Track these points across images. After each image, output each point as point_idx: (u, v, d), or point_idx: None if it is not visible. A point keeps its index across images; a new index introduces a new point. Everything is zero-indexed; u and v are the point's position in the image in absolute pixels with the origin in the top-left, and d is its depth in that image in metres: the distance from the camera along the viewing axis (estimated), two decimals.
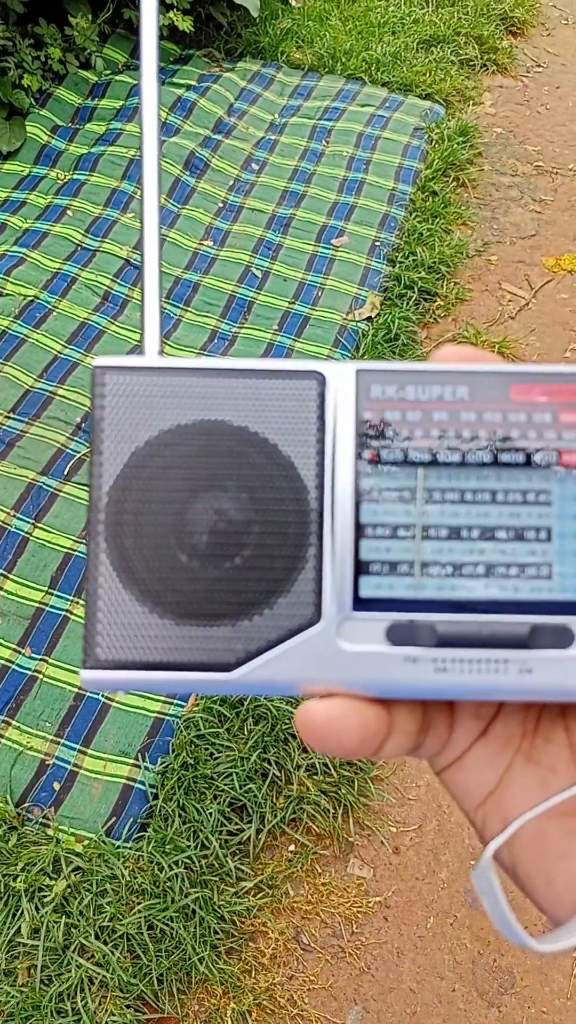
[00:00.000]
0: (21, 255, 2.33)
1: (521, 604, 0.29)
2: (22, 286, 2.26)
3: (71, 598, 1.72)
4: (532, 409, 0.30)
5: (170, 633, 0.29)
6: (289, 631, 0.29)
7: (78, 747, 1.55)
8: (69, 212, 2.48)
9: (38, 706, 1.59)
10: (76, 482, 1.91)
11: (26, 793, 1.50)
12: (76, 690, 1.61)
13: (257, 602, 0.29)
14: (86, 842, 1.45)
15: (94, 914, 1.38)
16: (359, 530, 0.30)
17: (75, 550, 1.78)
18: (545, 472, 0.30)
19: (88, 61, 2.89)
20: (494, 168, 2.87)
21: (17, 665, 1.63)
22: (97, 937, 1.36)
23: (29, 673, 1.62)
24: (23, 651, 1.65)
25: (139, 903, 1.39)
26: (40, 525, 1.81)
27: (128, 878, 1.41)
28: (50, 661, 1.64)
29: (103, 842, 1.45)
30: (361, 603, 0.29)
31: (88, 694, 1.60)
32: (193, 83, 2.96)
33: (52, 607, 1.70)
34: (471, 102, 3.13)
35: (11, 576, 1.73)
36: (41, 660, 1.64)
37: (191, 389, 0.30)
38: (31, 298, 2.24)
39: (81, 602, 1.72)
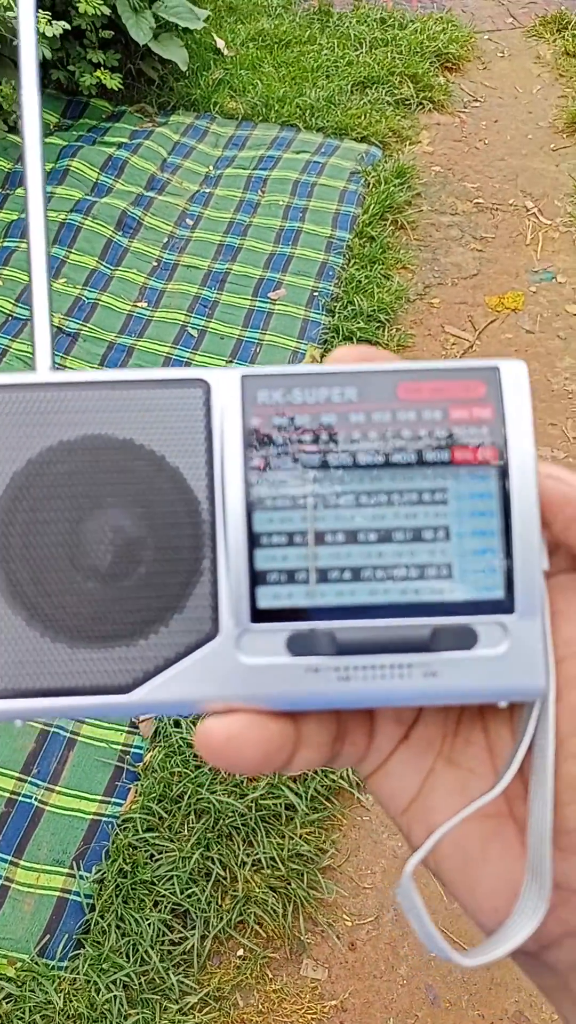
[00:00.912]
0: None
1: (422, 606, 0.29)
2: None
3: None
4: (421, 407, 0.29)
5: (64, 657, 0.28)
6: (187, 648, 0.28)
7: (10, 858, 1.46)
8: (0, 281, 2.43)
9: None
10: None
11: None
12: (8, 795, 1.53)
13: (153, 620, 0.28)
14: (19, 964, 1.37)
15: None
16: (253, 540, 0.29)
17: None
18: (439, 470, 0.29)
19: (16, 125, 2.86)
20: (433, 208, 2.85)
21: None
22: None
23: None
24: None
25: None
26: None
27: (63, 1004, 1.32)
28: None
29: (36, 963, 1.36)
30: (259, 614, 0.29)
31: (20, 799, 1.52)
32: (125, 140, 2.93)
33: None
34: (408, 142, 3.12)
35: None
36: None
37: (75, 403, 0.29)
38: None
39: None
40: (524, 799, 0.30)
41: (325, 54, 3.43)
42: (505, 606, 0.29)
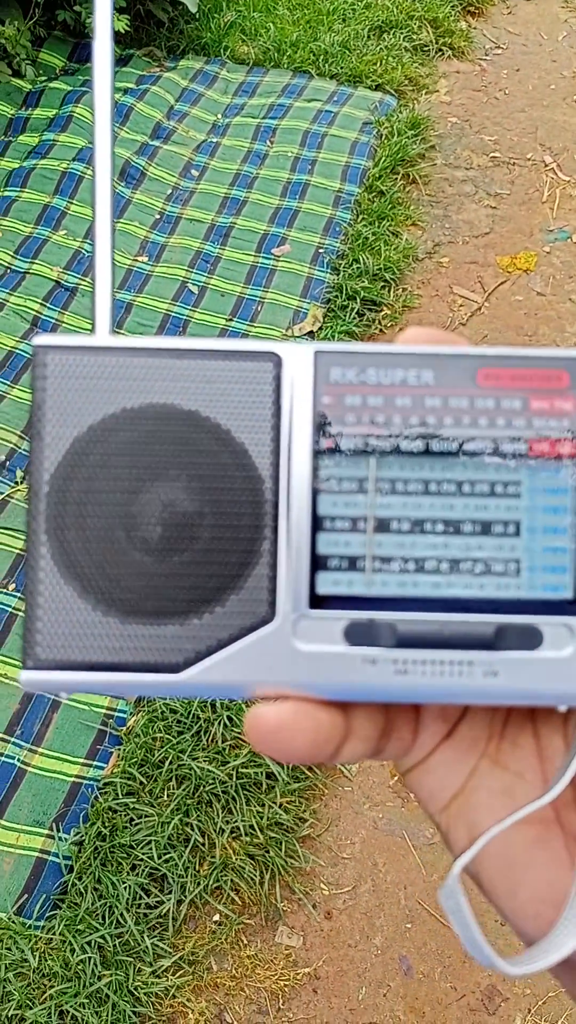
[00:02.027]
0: None
1: (487, 602, 0.28)
2: None
3: None
4: (501, 395, 0.28)
5: (115, 631, 0.28)
6: (241, 630, 0.28)
7: None
8: None
9: None
10: (1, 527, 1.82)
11: None
12: None
13: (208, 599, 0.28)
14: None
15: (1, 1002, 1.31)
16: (316, 523, 0.28)
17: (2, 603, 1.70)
18: (514, 462, 0.28)
19: (20, 69, 2.77)
20: (447, 162, 2.74)
21: None
22: None
23: None
24: None
25: (50, 988, 1.32)
26: None
27: (37, 962, 1.34)
28: None
29: (13, 922, 1.37)
30: (318, 601, 0.28)
31: (3, 759, 1.53)
32: (131, 86, 2.84)
33: None
34: (425, 91, 2.99)
35: None
36: None
37: (139, 371, 0.28)
38: None
39: (0, 657, 1.64)
40: (574, 807, 0.29)
41: None
42: (574, 608, 0.28)
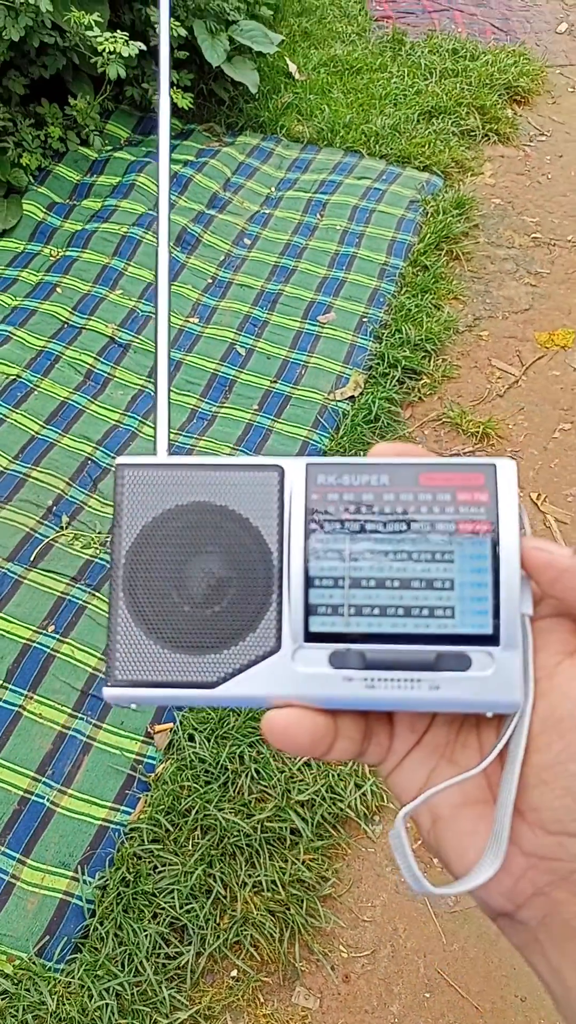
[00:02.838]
0: (7, 333, 2.35)
1: (430, 637, 0.38)
2: (5, 365, 2.27)
3: (25, 692, 1.68)
4: (436, 491, 0.39)
5: (169, 660, 0.39)
6: (257, 657, 0.39)
7: (18, 856, 1.49)
8: (58, 289, 2.50)
9: None
10: (41, 568, 1.88)
11: None
12: (21, 793, 1.56)
13: (234, 636, 0.39)
14: (17, 962, 1.39)
15: None
16: (308, 582, 0.39)
17: (34, 641, 1.75)
18: (447, 537, 0.38)
19: (88, 139, 2.94)
20: (490, 240, 2.85)
21: None
22: None
23: None
24: None
25: None
26: (1, 614, 1.79)
27: (55, 1006, 1.34)
28: None
29: (34, 963, 1.38)
30: (310, 636, 0.39)
31: (33, 798, 1.55)
32: (191, 158, 3.00)
33: (5, 702, 1.67)
34: (470, 173, 3.12)
35: None
36: None
37: (185, 478, 0.40)
38: (13, 377, 2.25)
39: (36, 697, 1.68)
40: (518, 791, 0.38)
41: (395, 82, 3.46)
42: (493, 640, 0.38)
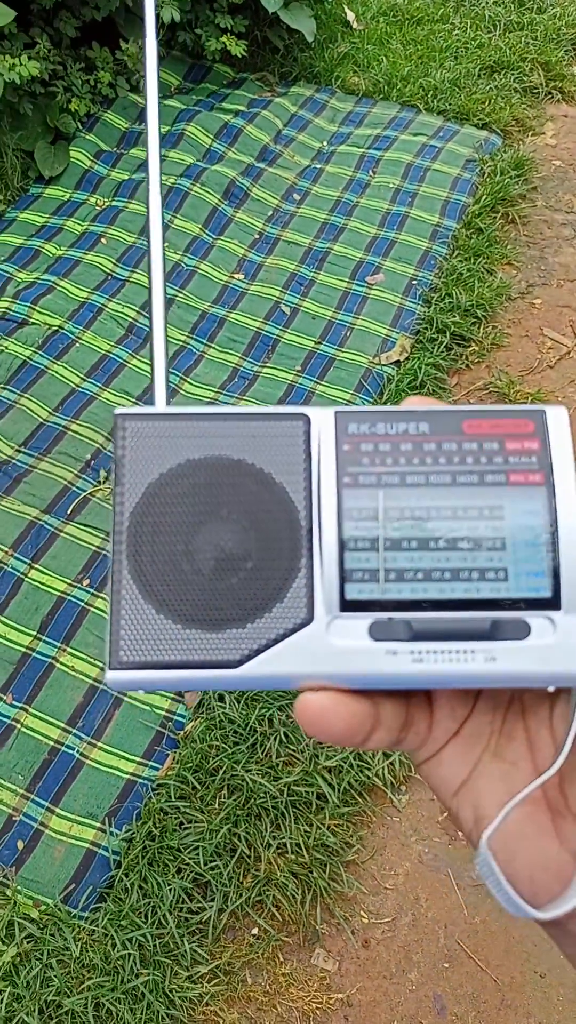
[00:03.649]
0: (51, 283, 2.33)
1: (483, 602, 0.34)
2: (48, 315, 2.25)
3: (59, 645, 1.69)
4: (482, 439, 0.35)
5: (184, 637, 0.34)
6: (286, 631, 0.34)
7: (47, 804, 1.51)
8: (103, 240, 2.47)
9: (12, 757, 1.56)
10: (78, 522, 1.88)
11: None
12: (52, 744, 1.58)
13: (259, 608, 0.34)
14: (43, 907, 1.42)
15: (41, 987, 1.34)
16: (343, 544, 0.34)
17: (68, 594, 1.76)
18: (497, 490, 0.34)
19: (139, 85, 2.88)
20: (548, 204, 2.75)
21: None
22: (41, 1012, 1.32)
23: (7, 722, 1.60)
24: (4, 698, 1.62)
25: (88, 979, 1.35)
26: (36, 566, 1.79)
27: (79, 952, 1.36)
28: (30, 711, 1.61)
29: (59, 909, 1.41)
30: (347, 605, 0.34)
31: (63, 749, 1.57)
32: (242, 108, 2.92)
33: (39, 653, 1.68)
34: (531, 132, 3.00)
35: (1, 618, 1.71)
36: (21, 709, 1.61)
37: (196, 430, 0.35)
38: (56, 328, 2.23)
39: (69, 649, 1.69)
40: (557, 787, 0.35)
41: (456, 34, 3.33)
42: (553, 603, 0.33)
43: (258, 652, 0.34)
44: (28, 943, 1.38)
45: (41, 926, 1.39)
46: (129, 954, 1.36)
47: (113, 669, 0.34)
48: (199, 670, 0.34)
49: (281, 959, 1.43)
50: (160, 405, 0.39)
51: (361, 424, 0.35)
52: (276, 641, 0.34)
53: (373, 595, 0.34)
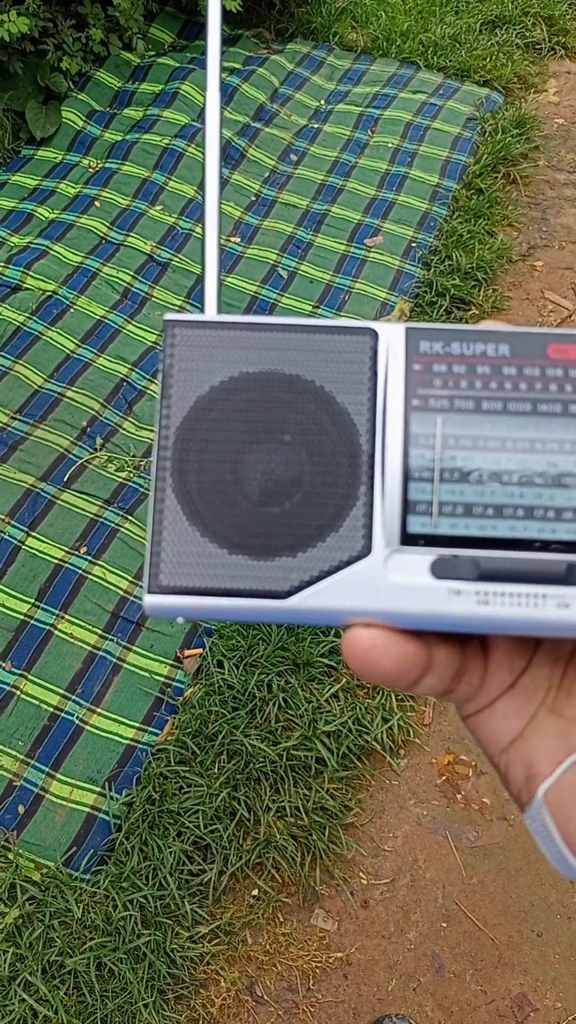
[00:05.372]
0: (44, 248, 2.29)
1: (559, 544, 0.31)
2: (42, 280, 2.22)
3: (57, 612, 1.69)
4: (569, 365, 0.32)
5: (229, 562, 0.31)
6: (341, 563, 0.31)
7: (47, 769, 1.52)
8: (97, 203, 2.42)
9: (12, 723, 1.57)
10: (75, 490, 1.87)
11: None
12: (51, 710, 1.58)
13: (312, 536, 0.31)
14: (44, 870, 1.43)
15: (43, 947, 1.36)
16: (407, 473, 0.31)
17: (66, 562, 1.75)
18: None
19: (131, 43, 2.81)
20: (550, 164, 2.69)
21: None
22: (44, 972, 1.34)
23: (7, 689, 1.60)
24: (3, 665, 1.63)
25: (90, 939, 1.37)
26: (34, 534, 1.79)
27: (81, 913, 1.38)
28: (29, 677, 1.61)
29: (60, 872, 1.42)
30: (409, 538, 0.31)
31: (63, 715, 1.58)
32: (238, 66, 2.85)
33: (37, 620, 1.68)
34: (533, 89, 2.94)
35: None
36: (20, 676, 1.61)
37: (251, 342, 0.32)
38: (50, 293, 2.20)
39: (67, 617, 1.69)
40: None
41: None
42: None
43: (309, 583, 0.31)
44: (30, 905, 1.39)
45: (43, 888, 1.40)
46: (130, 915, 1.38)
47: (152, 593, 0.32)
48: (245, 599, 0.31)
49: (281, 919, 1.44)
50: (211, 312, 0.36)
51: (435, 343, 0.32)
52: (329, 573, 0.31)
53: (437, 530, 0.31)
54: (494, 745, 0.35)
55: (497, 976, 1.41)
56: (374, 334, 0.32)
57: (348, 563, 0.31)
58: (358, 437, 0.32)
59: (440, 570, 0.31)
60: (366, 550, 0.31)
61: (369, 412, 0.32)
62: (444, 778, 1.59)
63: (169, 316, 0.33)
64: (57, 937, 1.36)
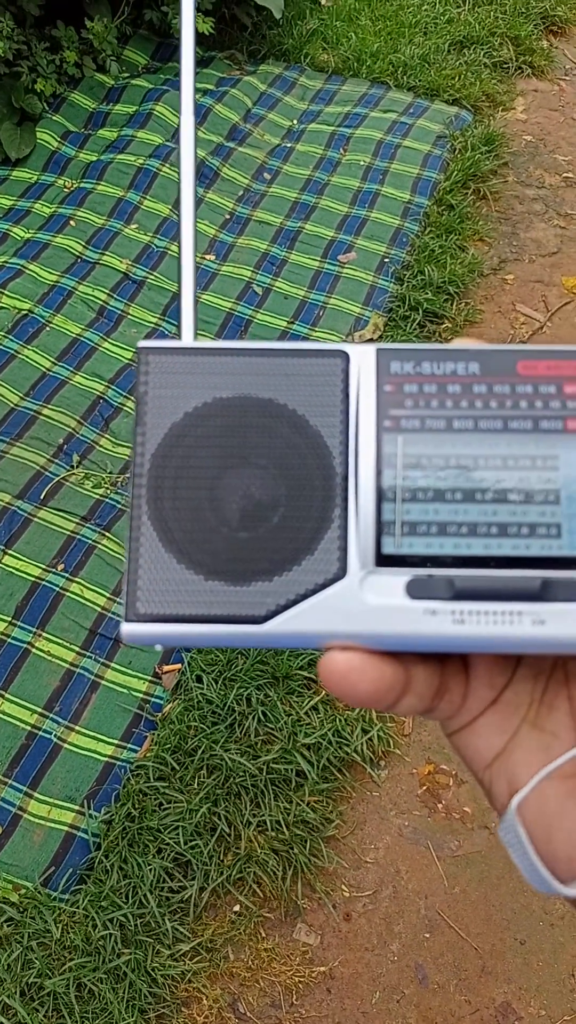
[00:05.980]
0: (19, 267, 2.30)
1: (533, 560, 0.31)
2: (17, 299, 2.23)
3: (34, 630, 1.68)
4: (538, 382, 0.32)
5: (206, 589, 0.31)
6: (316, 586, 0.31)
7: (25, 788, 1.51)
8: (72, 223, 2.44)
9: None
10: (52, 507, 1.87)
11: None
12: (29, 728, 1.57)
13: (287, 560, 0.31)
14: (23, 891, 1.42)
15: (21, 969, 1.34)
16: (380, 494, 0.31)
17: (43, 580, 1.74)
18: (552, 438, 0.31)
19: (104, 65, 2.84)
20: (519, 180, 2.74)
21: None
22: (23, 994, 1.32)
23: None
24: None
25: (70, 960, 1.35)
26: (10, 552, 1.78)
27: (60, 934, 1.36)
28: (6, 696, 1.60)
29: (39, 892, 1.41)
30: (384, 559, 0.31)
31: (40, 733, 1.56)
32: (211, 87, 2.89)
33: (13, 639, 1.67)
34: (501, 107, 2.99)
35: None
36: None
37: (224, 367, 0.33)
38: (25, 312, 2.21)
39: (44, 635, 1.68)
40: None
41: (425, 9, 3.30)
42: None
43: (285, 607, 0.31)
44: (8, 926, 1.37)
45: (21, 909, 1.39)
46: (110, 934, 1.36)
47: (129, 621, 0.31)
48: (222, 625, 0.31)
49: (263, 935, 1.43)
50: (187, 339, 0.36)
51: (405, 363, 0.32)
52: (305, 596, 0.31)
53: (412, 550, 0.31)
54: (478, 762, 0.35)
55: (481, 985, 1.40)
56: (345, 356, 0.33)
57: (324, 586, 0.31)
58: (331, 460, 0.32)
59: (415, 590, 0.31)
60: (341, 572, 0.31)
61: (342, 434, 0.32)
62: (425, 788, 1.59)
63: (142, 343, 0.33)
64: (36, 959, 1.34)
